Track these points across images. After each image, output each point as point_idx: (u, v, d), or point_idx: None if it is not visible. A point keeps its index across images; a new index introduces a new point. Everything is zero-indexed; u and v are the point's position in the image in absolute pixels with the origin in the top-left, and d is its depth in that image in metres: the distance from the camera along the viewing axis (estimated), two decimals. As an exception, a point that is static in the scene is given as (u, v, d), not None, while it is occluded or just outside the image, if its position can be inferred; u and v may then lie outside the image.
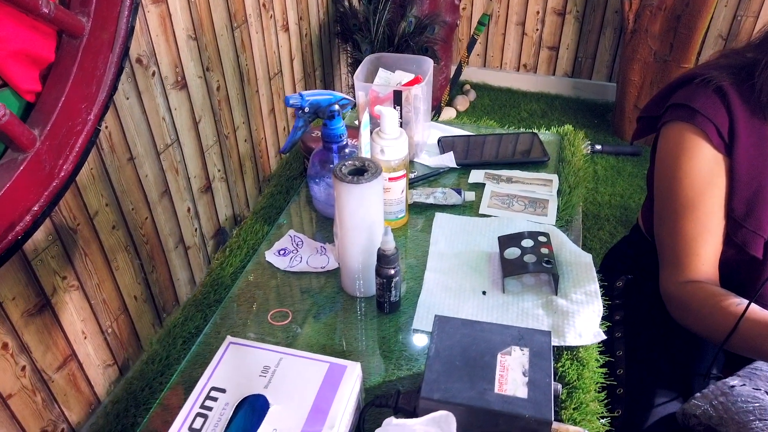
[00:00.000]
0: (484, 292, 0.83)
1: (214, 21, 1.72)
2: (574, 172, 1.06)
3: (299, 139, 0.86)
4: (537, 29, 2.91)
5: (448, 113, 2.85)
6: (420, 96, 1.07)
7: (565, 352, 0.73)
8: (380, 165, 0.75)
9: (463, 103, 2.94)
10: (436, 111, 2.76)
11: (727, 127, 0.84)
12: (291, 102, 0.82)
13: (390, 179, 0.89)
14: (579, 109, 2.90)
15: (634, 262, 1.13)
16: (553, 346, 0.74)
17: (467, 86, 3.08)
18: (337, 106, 0.86)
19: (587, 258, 0.86)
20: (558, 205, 0.98)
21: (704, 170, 0.86)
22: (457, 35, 3.02)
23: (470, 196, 1.00)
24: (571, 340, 0.74)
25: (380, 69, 1.12)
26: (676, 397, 0.99)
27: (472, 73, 3.14)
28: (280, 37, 2.14)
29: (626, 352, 1.05)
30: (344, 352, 0.73)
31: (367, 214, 0.74)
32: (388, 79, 1.10)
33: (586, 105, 2.92)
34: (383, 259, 0.74)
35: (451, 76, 2.76)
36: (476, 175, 1.07)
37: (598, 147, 2.49)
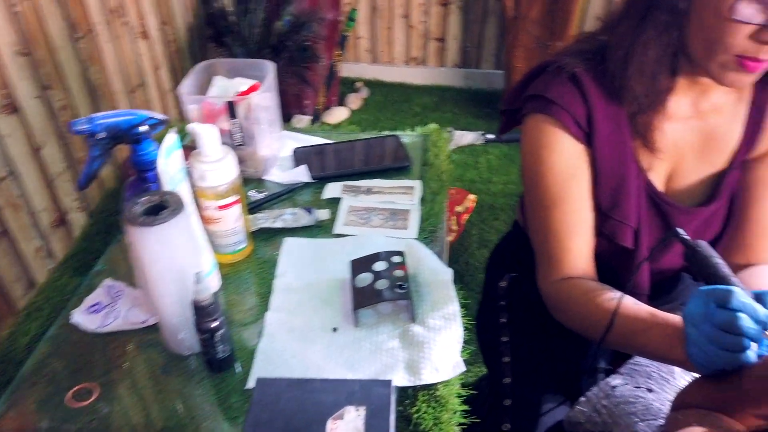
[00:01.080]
0: (335, 329, 0.72)
1: (50, 33, 1.51)
2: (437, 176, 0.98)
3: (97, 171, 0.72)
4: (423, 21, 2.85)
5: (339, 114, 2.74)
6: (262, 105, 0.95)
7: (421, 393, 0.64)
8: (182, 198, 0.62)
9: (355, 101, 2.84)
10: (316, 115, 2.63)
11: (585, 115, 0.79)
12: (77, 128, 0.68)
13: (220, 207, 0.77)
14: (470, 100, 2.87)
15: (517, 258, 1.07)
16: (408, 387, 0.65)
17: (359, 83, 2.99)
18: (144, 128, 0.72)
19: (446, 274, 0.78)
20: (421, 215, 0.90)
21: (566, 163, 0.80)
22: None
23: (323, 214, 0.89)
24: (427, 377, 0.65)
25: (215, 77, 0.99)
26: (564, 401, 0.94)
27: (363, 70, 3.05)
28: (140, 45, 1.95)
29: (513, 358, 0.99)
30: (162, 431, 0.61)
31: (173, 261, 0.61)
32: (226, 88, 0.97)
33: (477, 95, 2.91)
34: (200, 312, 0.62)
35: (327, 75, 2.65)
36: (333, 189, 0.96)
37: (491, 136, 2.47)
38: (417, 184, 0.96)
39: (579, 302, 0.80)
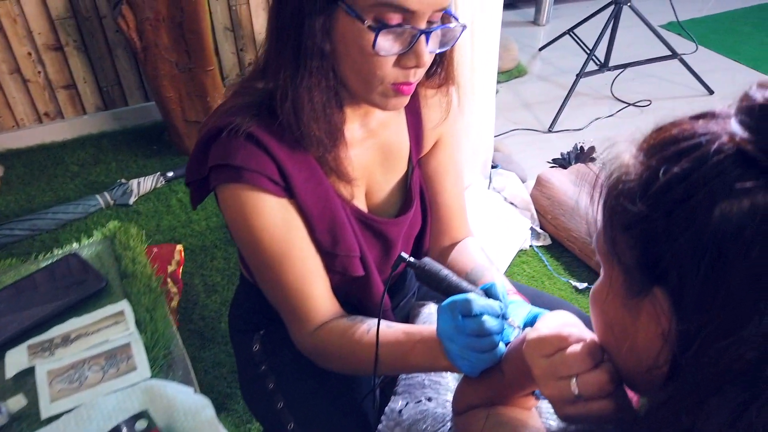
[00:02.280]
0: None
1: None
2: (145, 287, 0.85)
3: None
4: (39, 71, 2.45)
5: (-24, 207, 2.22)
6: None
7: None
8: None
9: (-9, 184, 2.33)
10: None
11: (276, 171, 0.78)
12: None
13: None
14: (132, 141, 2.62)
15: (257, 313, 1.02)
16: None
17: (-14, 161, 2.45)
18: None
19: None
20: (145, 344, 0.77)
21: (277, 221, 0.80)
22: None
23: (16, 403, 0.69)
24: None
25: None
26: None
27: (-16, 144, 2.51)
28: None
29: (297, 420, 0.95)
30: None
31: None
32: None
33: (138, 132, 2.67)
34: None
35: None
36: (16, 359, 0.76)
37: (171, 174, 2.31)
38: (125, 306, 0.82)
39: (339, 346, 0.82)
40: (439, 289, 0.72)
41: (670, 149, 0.44)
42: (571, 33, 2.92)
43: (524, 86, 2.92)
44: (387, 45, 0.70)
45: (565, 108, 2.55)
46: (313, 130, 0.76)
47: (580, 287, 1.79)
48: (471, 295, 0.68)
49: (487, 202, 1.97)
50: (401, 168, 0.93)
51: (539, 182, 1.98)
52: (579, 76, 2.56)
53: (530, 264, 1.90)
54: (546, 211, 1.95)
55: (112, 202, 2.19)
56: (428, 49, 0.72)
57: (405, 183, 0.95)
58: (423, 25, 0.70)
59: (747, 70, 2.97)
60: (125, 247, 0.92)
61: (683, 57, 2.70)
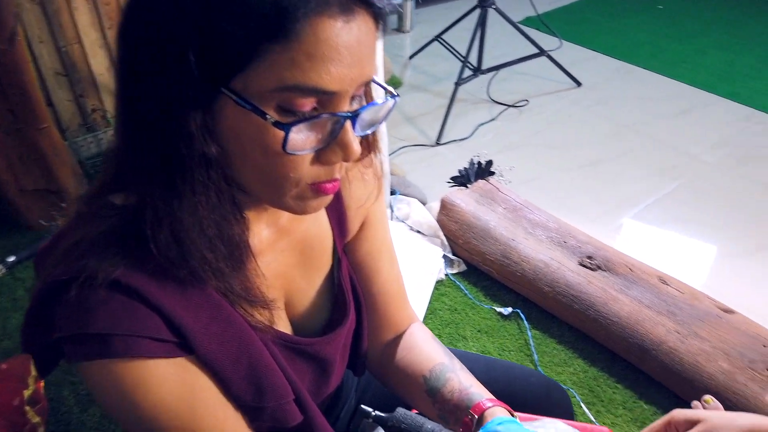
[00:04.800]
0: None
1: None
2: None
3: None
4: None
5: None
6: None
7: None
8: None
9: None
10: None
11: (164, 324, 0.54)
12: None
13: None
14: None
15: None
16: None
17: None
18: None
19: None
20: None
21: (175, 390, 0.56)
22: None
23: None
24: None
25: None
26: None
27: None
28: None
29: None
30: None
31: None
32: None
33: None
34: None
35: None
36: None
37: (12, 259, 1.89)
38: None
39: None
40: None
41: None
42: (439, 39, 2.86)
43: (402, 99, 2.81)
44: (302, 141, 0.50)
45: (449, 118, 2.47)
46: (208, 261, 0.53)
47: (506, 313, 1.69)
48: None
49: (393, 234, 1.81)
50: (325, 263, 0.73)
51: (444, 207, 1.86)
52: (457, 84, 2.49)
53: (449, 295, 1.77)
54: (456, 235, 1.83)
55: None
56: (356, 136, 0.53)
57: (332, 280, 0.75)
58: (346, 107, 0.51)
59: (606, 58, 3.09)
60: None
61: (550, 53, 2.74)
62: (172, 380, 0.55)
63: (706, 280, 1.80)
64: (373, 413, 0.55)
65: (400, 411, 0.55)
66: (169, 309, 0.54)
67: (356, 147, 0.52)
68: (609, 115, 2.63)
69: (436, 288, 1.78)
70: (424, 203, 1.99)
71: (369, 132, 0.56)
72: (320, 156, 0.52)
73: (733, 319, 1.48)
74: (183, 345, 0.56)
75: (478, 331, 1.66)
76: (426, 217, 1.89)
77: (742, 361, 1.38)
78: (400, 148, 2.41)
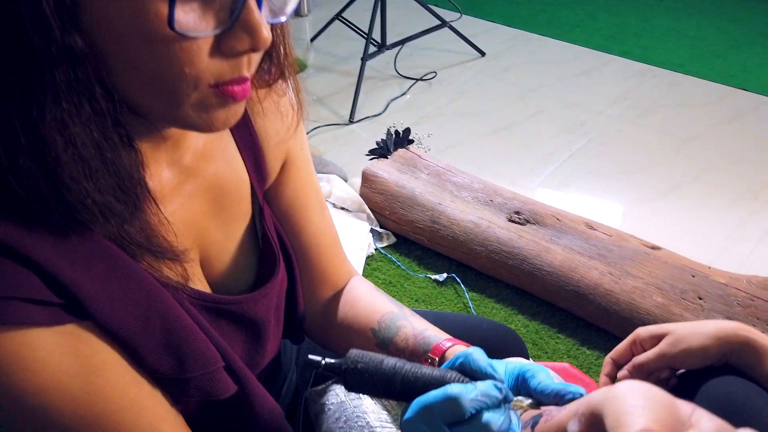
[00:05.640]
0: None
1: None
2: None
3: None
4: None
5: None
6: None
7: None
8: None
9: None
10: None
11: (41, 282, 0.43)
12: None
13: None
14: None
15: None
16: None
17: None
18: None
19: None
20: None
21: (66, 364, 0.44)
22: None
23: None
24: None
25: None
26: None
27: None
28: None
29: None
30: None
31: None
32: None
33: None
34: None
35: None
36: None
37: None
38: None
39: None
40: (390, 392, 0.45)
41: None
42: (340, 17, 2.78)
43: (309, 81, 2.71)
44: (194, 21, 0.40)
45: (359, 95, 2.40)
46: (88, 195, 0.42)
47: (441, 279, 1.64)
48: (452, 388, 0.42)
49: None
50: (243, 212, 0.63)
51: (366, 179, 1.78)
52: (364, 59, 2.42)
53: (382, 269, 1.70)
54: (382, 207, 1.76)
55: None
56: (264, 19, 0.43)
57: (254, 233, 0.65)
58: None
59: (505, 28, 3.14)
60: None
61: (452, 24, 2.73)
62: (62, 353, 0.43)
63: (627, 223, 1.84)
64: (323, 361, 0.45)
65: (354, 352, 0.46)
66: (50, 263, 0.42)
67: (265, 32, 0.42)
68: (515, 81, 2.66)
69: (367, 263, 1.70)
70: (345, 180, 1.91)
71: (280, 21, 0.46)
72: (221, 44, 0.42)
73: (660, 255, 1.50)
74: (72, 308, 0.44)
75: (416, 300, 1.60)
76: (349, 192, 1.80)
77: (674, 293, 1.40)
78: (313, 129, 2.31)
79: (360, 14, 2.66)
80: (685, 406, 0.35)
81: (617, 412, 0.35)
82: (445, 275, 1.65)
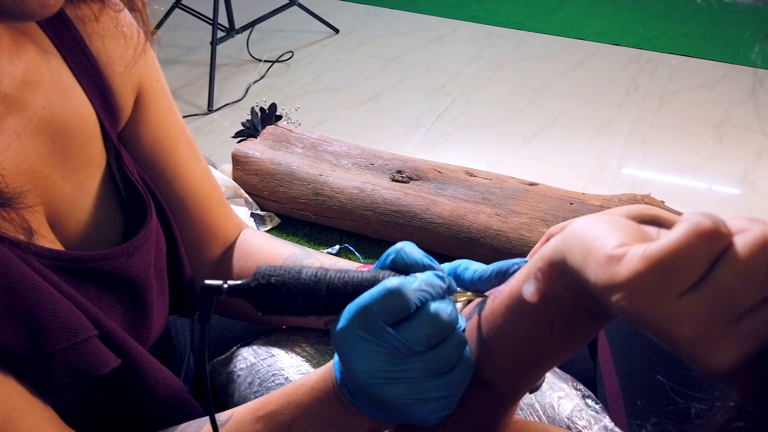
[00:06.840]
0: None
1: None
2: None
3: None
4: None
5: None
6: None
7: None
8: None
9: None
10: None
11: None
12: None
13: None
14: None
15: None
16: None
17: None
18: None
19: None
20: None
21: None
22: None
23: None
24: None
25: None
26: None
27: None
28: None
29: None
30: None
31: None
32: None
33: None
34: None
35: None
36: None
37: None
38: None
39: None
40: (314, 305, 0.37)
41: None
42: (179, 5, 2.58)
43: (156, 76, 2.50)
44: None
45: (215, 83, 2.25)
46: None
47: (335, 252, 1.58)
48: (391, 281, 0.36)
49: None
50: (95, 157, 0.52)
51: (237, 161, 1.66)
52: (213, 44, 2.27)
53: (270, 253, 1.59)
54: (259, 188, 1.65)
55: None
56: None
57: (114, 183, 0.54)
58: None
59: (353, 4, 3.12)
60: None
61: (301, 2, 2.65)
62: None
63: (502, 170, 1.89)
64: (225, 284, 0.37)
65: (263, 266, 0.38)
66: None
67: None
68: (373, 53, 2.65)
69: (253, 250, 1.59)
70: (215, 168, 1.77)
71: None
72: None
73: (539, 189, 1.55)
74: None
75: (312, 277, 1.52)
76: (221, 178, 1.67)
77: (558, 221, 1.45)
78: (169, 124, 2.12)
79: (200, 1, 2.49)
80: (649, 228, 0.32)
81: (583, 243, 0.31)
82: (338, 247, 1.59)
